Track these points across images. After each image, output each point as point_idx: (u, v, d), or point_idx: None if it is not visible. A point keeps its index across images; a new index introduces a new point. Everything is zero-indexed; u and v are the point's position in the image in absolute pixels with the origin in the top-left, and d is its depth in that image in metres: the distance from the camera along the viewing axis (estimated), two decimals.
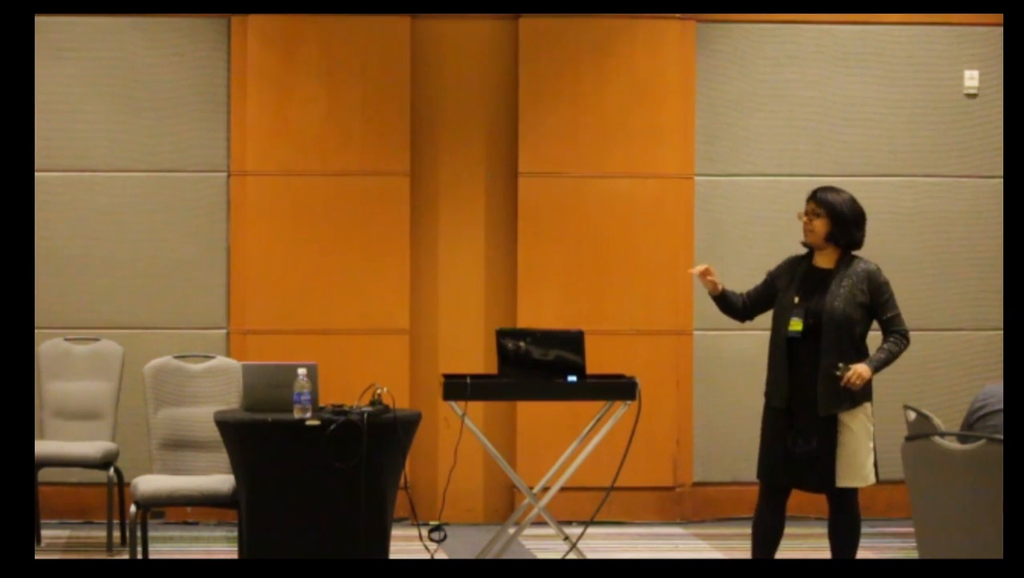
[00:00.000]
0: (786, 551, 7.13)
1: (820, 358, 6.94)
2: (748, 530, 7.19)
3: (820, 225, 7.06)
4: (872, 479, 7.01)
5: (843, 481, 6.95)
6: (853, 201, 7.12)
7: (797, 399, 6.97)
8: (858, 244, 7.12)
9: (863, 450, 6.97)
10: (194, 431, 7.76)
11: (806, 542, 8.82)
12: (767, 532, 7.08)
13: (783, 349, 6.99)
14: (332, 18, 9.52)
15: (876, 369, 6.97)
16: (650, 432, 9.07)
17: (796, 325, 6.97)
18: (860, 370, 6.91)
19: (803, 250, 7.18)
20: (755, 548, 7.10)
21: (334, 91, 9.58)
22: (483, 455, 9.30)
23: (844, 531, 7.04)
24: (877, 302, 7.06)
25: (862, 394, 6.97)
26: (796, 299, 7.02)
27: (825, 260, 7.10)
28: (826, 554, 7.09)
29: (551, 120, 9.67)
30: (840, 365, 6.91)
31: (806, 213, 7.10)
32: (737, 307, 7.29)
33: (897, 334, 7.07)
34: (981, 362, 9.88)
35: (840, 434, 6.95)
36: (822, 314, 6.95)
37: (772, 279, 7.20)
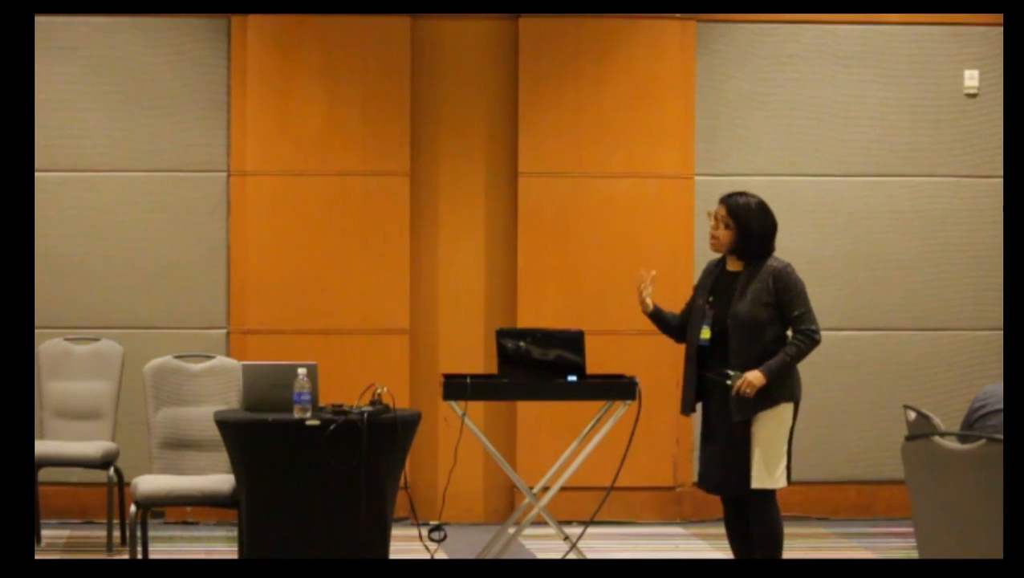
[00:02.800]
0: (786, 551, 7.13)
1: (727, 363, 6.85)
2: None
3: (725, 236, 6.96)
4: (783, 482, 6.88)
5: (756, 482, 6.83)
6: (763, 211, 6.96)
7: (711, 406, 6.93)
8: (767, 255, 6.96)
9: (776, 452, 6.84)
10: (194, 431, 7.76)
11: (806, 542, 8.83)
12: (735, 535, 7.04)
13: (693, 357, 6.95)
14: (332, 18, 9.52)
15: (771, 374, 6.78)
16: (650, 432, 9.06)
17: (705, 333, 6.91)
18: (751, 378, 6.77)
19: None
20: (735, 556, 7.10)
21: (334, 91, 9.58)
22: (483, 455, 9.30)
23: (758, 536, 6.89)
24: (783, 301, 6.87)
25: (779, 395, 6.83)
26: (706, 306, 6.95)
27: (735, 263, 7.01)
28: (827, 554, 7.09)
29: (551, 120, 9.67)
30: (731, 373, 6.81)
31: (715, 216, 6.98)
32: (672, 325, 7.21)
33: (801, 334, 6.86)
34: (981, 362, 9.88)
35: (753, 436, 6.84)
36: (727, 319, 6.87)
37: (695, 290, 7.14)
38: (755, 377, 6.77)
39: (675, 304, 9.82)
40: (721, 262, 7.09)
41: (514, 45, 9.72)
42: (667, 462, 9.70)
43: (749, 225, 6.93)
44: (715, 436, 6.95)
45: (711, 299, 6.97)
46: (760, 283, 6.88)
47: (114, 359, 8.93)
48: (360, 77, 9.59)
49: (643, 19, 9.70)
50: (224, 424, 7.19)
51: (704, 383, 6.96)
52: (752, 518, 6.91)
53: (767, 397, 6.82)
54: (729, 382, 6.81)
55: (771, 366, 6.79)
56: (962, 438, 5.19)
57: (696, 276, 9.55)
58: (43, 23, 9.28)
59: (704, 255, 9.59)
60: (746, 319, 6.84)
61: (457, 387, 7.66)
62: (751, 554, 6.98)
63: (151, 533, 8.09)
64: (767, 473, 6.83)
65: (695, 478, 9.61)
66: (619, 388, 7.71)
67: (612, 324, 9.61)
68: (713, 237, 6.99)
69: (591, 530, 8.29)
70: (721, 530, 7.25)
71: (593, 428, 7.78)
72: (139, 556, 7.67)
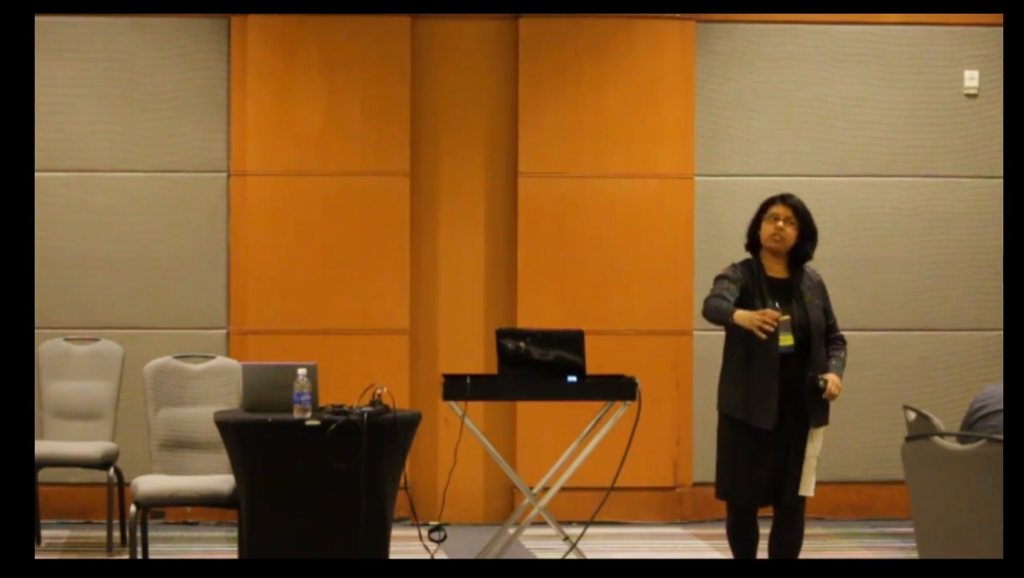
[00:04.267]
0: None
1: (807, 371, 6.81)
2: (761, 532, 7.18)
3: (792, 235, 6.92)
4: (813, 489, 6.94)
5: (804, 490, 6.85)
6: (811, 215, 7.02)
7: (782, 415, 6.80)
8: (810, 259, 7.00)
9: (814, 460, 6.88)
10: (194, 431, 7.76)
11: (806, 542, 8.80)
12: (746, 542, 7.00)
13: (773, 365, 6.78)
14: (332, 18, 9.52)
15: (841, 377, 6.89)
16: (650, 432, 9.07)
17: (788, 340, 6.79)
18: (837, 380, 6.83)
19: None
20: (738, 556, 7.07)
21: (334, 91, 9.58)
22: (483, 455, 9.30)
23: (797, 542, 6.95)
24: (827, 308, 6.95)
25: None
26: (781, 312, 6.83)
27: (777, 268, 6.96)
28: (827, 554, 7.09)
29: (551, 120, 9.67)
30: (821, 377, 6.82)
31: (780, 219, 6.92)
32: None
33: (840, 340, 6.96)
34: (981, 362, 9.88)
35: (810, 444, 6.86)
36: (809, 326, 6.83)
37: (740, 286, 6.90)
38: (838, 379, 6.83)
39: (675, 304, 9.84)
40: (757, 267, 6.95)
41: (514, 45, 9.72)
42: (667, 462, 9.70)
43: (809, 226, 6.95)
44: (771, 445, 6.80)
45: (777, 305, 6.85)
46: (813, 291, 6.91)
47: (114, 359, 8.93)
48: (360, 77, 9.59)
49: (643, 19, 9.70)
50: (224, 424, 7.19)
51: (783, 390, 6.79)
52: (791, 524, 6.93)
53: (827, 407, 6.87)
54: (822, 385, 6.80)
55: (840, 370, 6.87)
56: (962, 438, 5.19)
57: (697, 276, 9.64)
58: (43, 23, 9.29)
59: (704, 255, 9.64)
60: (820, 327, 6.85)
61: (457, 387, 7.66)
62: (755, 552, 7.00)
63: (151, 533, 8.09)
64: (812, 480, 6.86)
65: (695, 478, 9.71)
66: (619, 388, 7.71)
67: (612, 324, 9.61)
68: (780, 237, 6.89)
69: (591, 530, 8.29)
70: (721, 530, 7.24)
71: (593, 428, 7.78)
72: (139, 556, 7.67)
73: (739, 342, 6.83)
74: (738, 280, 6.89)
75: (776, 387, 6.77)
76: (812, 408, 6.82)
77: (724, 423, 6.94)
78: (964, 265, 9.93)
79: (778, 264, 6.95)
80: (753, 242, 7.01)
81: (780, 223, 6.90)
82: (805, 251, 6.95)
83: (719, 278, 6.93)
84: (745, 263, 6.99)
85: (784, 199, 6.97)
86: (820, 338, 6.85)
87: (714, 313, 6.81)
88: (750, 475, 6.84)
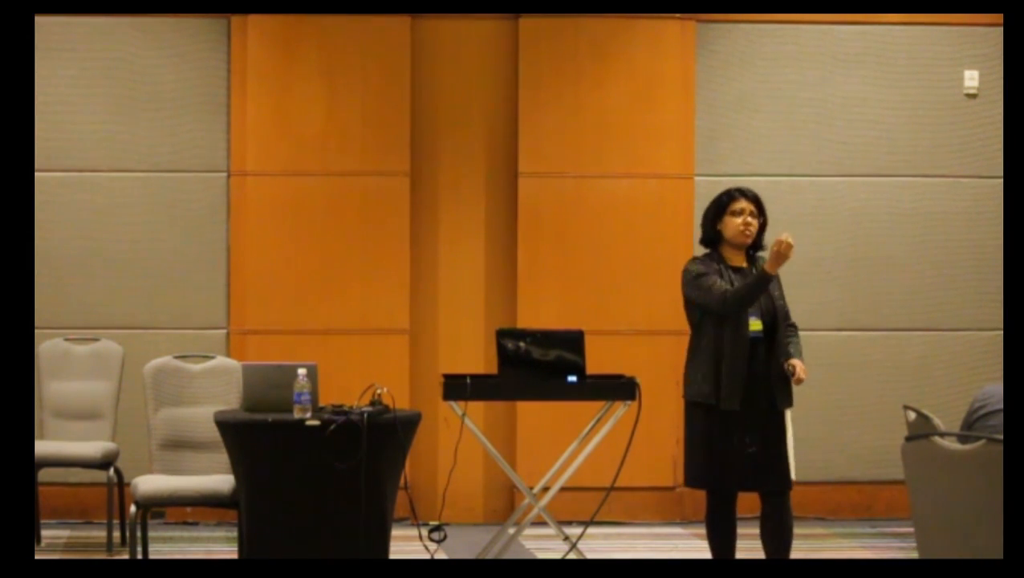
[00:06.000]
0: None
1: (772, 355, 6.90)
2: (749, 530, 7.19)
3: (756, 225, 7.02)
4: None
5: (793, 474, 6.96)
6: None
7: (750, 399, 6.89)
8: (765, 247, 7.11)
9: (791, 445, 6.99)
10: (194, 431, 7.76)
11: (806, 542, 8.83)
12: (724, 535, 7.02)
13: (744, 349, 6.88)
14: (332, 18, 9.52)
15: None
16: (650, 432, 9.07)
17: (756, 325, 6.91)
18: (803, 366, 6.92)
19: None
20: (718, 554, 7.06)
21: (334, 91, 9.58)
22: (483, 455, 9.30)
23: (788, 529, 7.00)
24: (783, 296, 7.06)
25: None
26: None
27: (737, 259, 7.05)
28: (827, 554, 7.09)
29: (551, 120, 9.67)
30: (788, 364, 6.90)
31: (748, 213, 7.00)
32: None
33: (793, 327, 7.08)
34: (981, 362, 9.88)
35: (785, 429, 6.93)
36: (775, 312, 6.93)
37: (714, 279, 6.98)
38: (802, 364, 6.92)
39: (675, 304, 9.82)
40: (716, 258, 7.04)
41: (514, 45, 9.72)
42: (667, 462, 9.70)
43: (765, 216, 7.09)
44: (747, 429, 6.88)
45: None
46: (773, 280, 6.98)
47: (114, 359, 8.93)
48: (360, 77, 9.59)
49: (643, 19, 9.70)
50: (224, 424, 7.19)
51: (752, 374, 6.91)
52: (783, 511, 6.97)
53: (791, 392, 6.97)
54: (790, 372, 6.90)
55: (801, 358, 6.95)
56: (962, 438, 5.19)
57: None
58: (43, 23, 9.29)
59: None
60: (782, 313, 6.97)
61: (457, 387, 7.66)
62: (734, 549, 7.02)
63: (151, 533, 8.09)
64: (794, 465, 6.96)
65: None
66: (619, 388, 7.71)
67: (612, 324, 9.61)
68: (749, 232, 7.01)
69: (591, 530, 8.30)
70: None
71: (593, 428, 7.78)
72: (139, 556, 7.67)
73: (710, 329, 6.92)
74: (713, 272, 6.99)
75: (746, 371, 6.87)
76: (779, 391, 6.91)
77: (695, 410, 6.98)
78: (964, 265, 9.93)
79: (738, 255, 7.05)
80: (709, 236, 7.08)
81: (747, 217, 7.01)
82: (762, 240, 7.07)
83: (701, 276, 6.98)
84: (706, 257, 7.09)
85: (744, 193, 7.07)
86: (783, 324, 6.97)
87: (746, 292, 6.86)
88: (724, 459, 6.90)
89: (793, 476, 6.95)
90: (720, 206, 7.05)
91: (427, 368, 9.58)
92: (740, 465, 6.89)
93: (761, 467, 6.89)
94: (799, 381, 6.90)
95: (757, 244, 7.08)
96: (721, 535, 7.02)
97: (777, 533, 6.98)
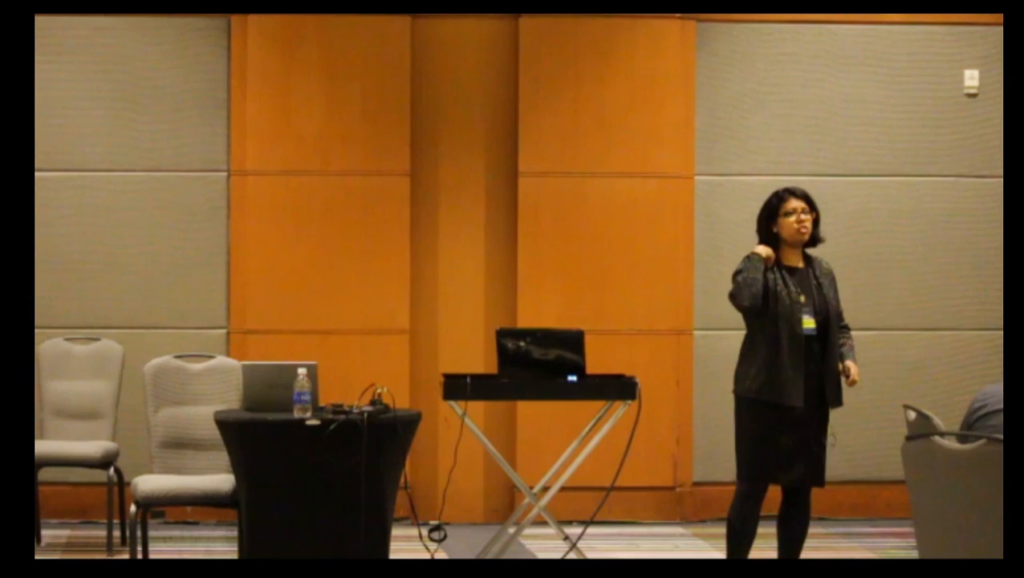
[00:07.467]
0: None
1: (827, 353, 6.99)
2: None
3: (810, 223, 7.09)
4: None
5: (826, 473, 7.10)
6: None
7: (809, 396, 6.99)
8: (822, 241, 7.21)
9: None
10: (194, 431, 7.76)
11: (806, 542, 8.80)
12: (750, 532, 7.06)
13: (799, 346, 6.95)
14: (332, 18, 9.52)
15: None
16: (650, 432, 9.07)
17: (809, 322, 6.99)
18: (856, 368, 7.04)
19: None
20: (736, 549, 7.08)
21: (334, 91, 9.58)
22: (483, 455, 9.30)
23: (805, 524, 7.12)
24: (837, 297, 7.14)
25: None
26: (802, 297, 7.01)
27: (794, 258, 7.10)
28: (827, 554, 7.09)
29: (551, 120, 9.67)
30: (844, 365, 7.02)
31: (800, 211, 7.07)
32: None
33: (847, 328, 7.17)
34: (981, 362, 9.88)
35: (827, 429, 7.06)
36: (829, 311, 7.02)
37: (759, 279, 7.02)
38: (858, 369, 7.05)
39: (675, 304, 9.85)
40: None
41: (514, 45, 9.72)
42: (667, 462, 9.70)
43: (818, 212, 7.16)
44: (794, 423, 6.95)
45: (797, 290, 7.02)
46: (827, 277, 7.11)
47: (114, 359, 8.93)
48: (360, 77, 9.59)
49: (643, 19, 9.70)
50: (224, 424, 7.19)
51: (807, 373, 6.97)
52: (805, 506, 7.09)
53: (842, 387, 7.06)
54: (845, 373, 7.00)
55: (855, 359, 7.06)
56: (962, 438, 5.19)
57: (697, 275, 9.64)
58: (43, 23, 9.29)
59: (704, 255, 9.64)
60: (835, 313, 7.05)
61: (457, 387, 7.66)
62: (750, 548, 7.05)
63: (151, 533, 8.09)
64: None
65: (695, 478, 9.71)
66: (619, 388, 7.71)
67: (612, 324, 9.61)
68: (805, 229, 7.06)
69: (591, 530, 8.30)
70: (721, 530, 7.24)
71: (593, 428, 7.78)
72: (139, 556, 7.66)
73: (770, 325, 6.96)
74: (760, 271, 7.02)
75: (801, 366, 6.95)
76: (831, 390, 7.02)
77: (748, 405, 7.03)
78: (964, 265, 9.93)
79: (794, 254, 7.12)
80: (766, 240, 7.10)
81: (801, 215, 7.07)
82: (817, 237, 7.14)
83: (735, 273, 7.05)
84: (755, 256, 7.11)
85: (792, 192, 7.15)
86: (836, 323, 7.05)
87: (741, 279, 6.96)
88: (777, 450, 6.97)
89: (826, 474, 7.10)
90: (771, 209, 7.12)
91: (427, 368, 9.58)
92: (785, 458, 6.97)
93: (809, 463, 6.99)
94: (853, 383, 7.01)
95: (815, 238, 7.13)
96: (750, 529, 7.07)
97: (803, 527, 7.11)
